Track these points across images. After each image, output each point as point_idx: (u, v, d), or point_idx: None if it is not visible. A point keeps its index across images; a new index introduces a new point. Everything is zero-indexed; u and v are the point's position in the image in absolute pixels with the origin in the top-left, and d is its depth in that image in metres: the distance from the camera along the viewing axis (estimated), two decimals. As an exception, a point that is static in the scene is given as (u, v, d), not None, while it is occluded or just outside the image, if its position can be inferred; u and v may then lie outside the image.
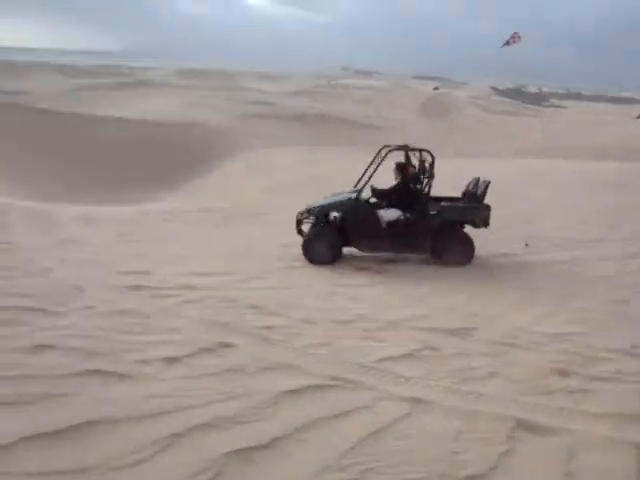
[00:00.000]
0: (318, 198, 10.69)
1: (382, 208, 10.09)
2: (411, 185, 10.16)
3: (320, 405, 4.81)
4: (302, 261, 9.82)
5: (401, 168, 10.20)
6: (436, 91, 68.28)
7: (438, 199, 10.25)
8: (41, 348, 5.47)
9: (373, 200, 10.33)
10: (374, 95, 58.54)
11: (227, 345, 5.93)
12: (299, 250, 10.01)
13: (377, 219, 9.92)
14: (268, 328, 6.52)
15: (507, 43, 24.03)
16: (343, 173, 15.09)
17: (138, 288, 7.64)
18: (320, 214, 10.20)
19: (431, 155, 9.87)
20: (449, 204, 10.21)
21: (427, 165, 10.02)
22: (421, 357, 5.97)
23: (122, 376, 5.04)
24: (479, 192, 10.12)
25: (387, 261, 10.03)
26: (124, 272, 8.42)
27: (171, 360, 5.45)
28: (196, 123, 32.78)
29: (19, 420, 4.17)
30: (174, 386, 4.94)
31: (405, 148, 10.26)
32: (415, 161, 10.37)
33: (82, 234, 11.44)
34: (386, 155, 10.11)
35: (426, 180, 9.98)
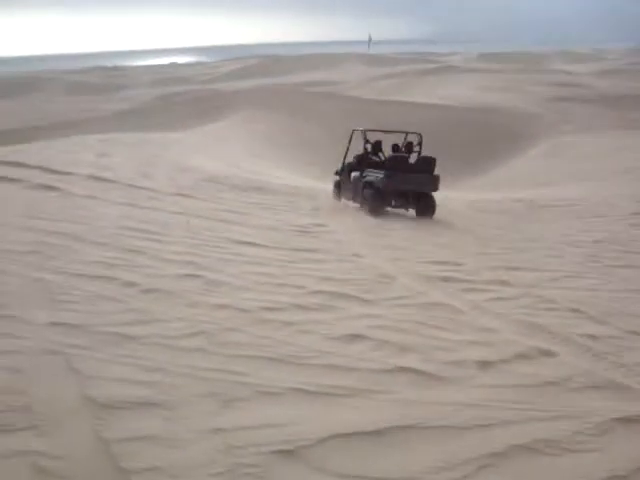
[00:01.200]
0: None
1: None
2: (371, 155, 13.43)
3: (662, 441, 4.02)
4: (621, 260, 8.75)
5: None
6: None
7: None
8: (353, 338, 5.38)
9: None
10: None
11: (546, 353, 5.32)
12: (617, 247, 9.18)
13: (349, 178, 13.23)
14: (592, 337, 5.75)
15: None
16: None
17: (448, 280, 7.34)
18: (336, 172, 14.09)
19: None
20: (369, 170, 12.76)
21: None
22: None
23: (434, 377, 4.73)
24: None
25: None
26: (432, 262, 8.20)
27: (485, 364, 5.00)
28: (498, 108, 31.90)
29: (331, 414, 4.06)
30: (489, 395, 4.49)
31: (363, 130, 13.49)
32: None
33: (386, 218, 11.55)
34: (352, 135, 13.88)
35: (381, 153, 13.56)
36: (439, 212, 12.35)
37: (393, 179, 12.06)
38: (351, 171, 13.27)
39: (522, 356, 5.23)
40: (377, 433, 3.84)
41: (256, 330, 5.41)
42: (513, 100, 33.92)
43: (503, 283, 7.31)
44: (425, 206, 12.36)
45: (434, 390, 4.55)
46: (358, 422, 3.93)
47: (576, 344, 5.58)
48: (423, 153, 13.12)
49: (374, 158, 13.42)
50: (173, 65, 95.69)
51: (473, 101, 33.31)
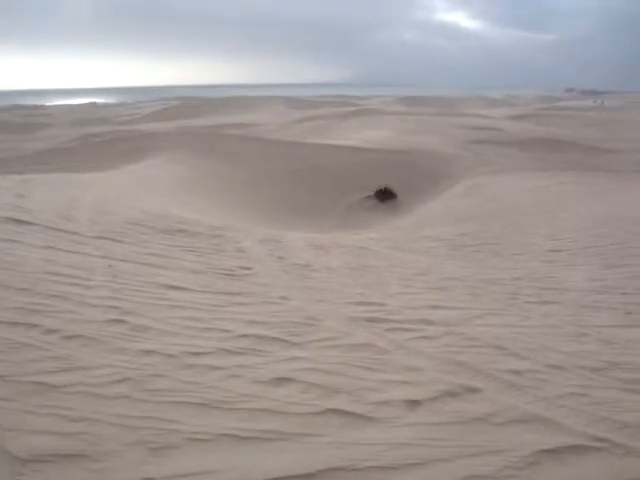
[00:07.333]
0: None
1: None
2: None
3: (587, 472, 4.16)
4: (540, 296, 9.05)
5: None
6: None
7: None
8: (281, 381, 5.38)
9: None
10: (605, 116, 55.00)
11: (471, 389, 5.44)
12: (536, 284, 9.49)
13: None
14: (514, 372, 5.92)
15: None
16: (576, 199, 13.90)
17: (373, 320, 7.40)
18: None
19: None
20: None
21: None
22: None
23: (364, 418, 4.76)
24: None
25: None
26: (356, 302, 8.25)
27: (413, 403, 5.08)
28: (418, 150, 32.73)
29: (263, 459, 4.03)
30: (418, 434, 4.56)
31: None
32: None
33: (310, 260, 11.58)
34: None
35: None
36: (360, 253, 12.54)
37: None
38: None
39: (448, 394, 5.32)
40: (310, 476, 3.83)
41: (183, 375, 5.32)
42: (432, 142, 34.94)
43: (426, 322, 7.43)
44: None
45: (364, 431, 4.58)
46: (290, 466, 3.92)
47: (500, 380, 5.72)
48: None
49: None
50: (93, 105, 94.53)
51: (393, 143, 34.09)
